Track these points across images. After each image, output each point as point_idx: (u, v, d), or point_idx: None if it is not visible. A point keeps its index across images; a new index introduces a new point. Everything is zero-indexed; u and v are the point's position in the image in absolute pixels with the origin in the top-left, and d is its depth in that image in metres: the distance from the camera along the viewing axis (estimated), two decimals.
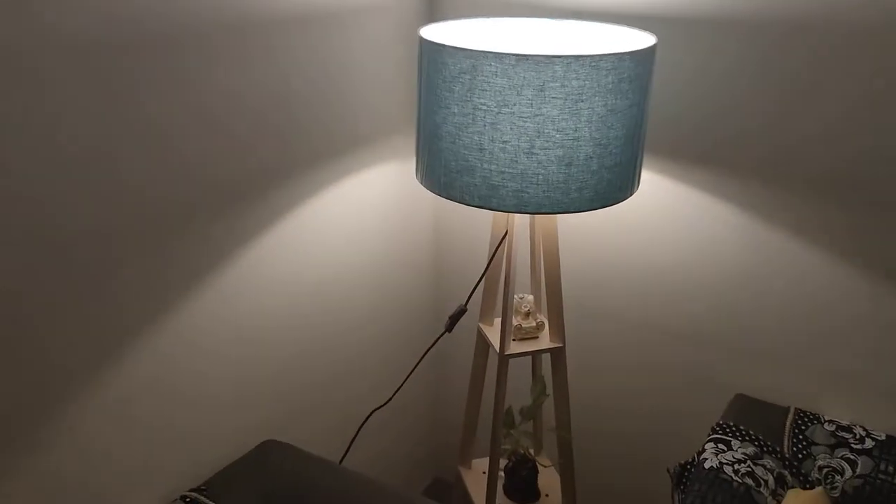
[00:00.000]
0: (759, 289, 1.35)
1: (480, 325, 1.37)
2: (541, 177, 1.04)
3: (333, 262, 1.39)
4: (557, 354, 1.31)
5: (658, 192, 1.39)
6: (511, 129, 1.02)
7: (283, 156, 1.22)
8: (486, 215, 1.55)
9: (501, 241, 1.24)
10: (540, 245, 1.30)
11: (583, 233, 1.49)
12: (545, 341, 1.32)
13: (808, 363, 1.35)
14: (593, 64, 0.99)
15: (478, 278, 1.34)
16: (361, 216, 1.44)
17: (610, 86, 1.02)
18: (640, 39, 1.16)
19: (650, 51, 1.06)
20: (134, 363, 1.06)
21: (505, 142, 1.03)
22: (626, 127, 1.06)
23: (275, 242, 1.25)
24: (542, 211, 1.06)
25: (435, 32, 1.17)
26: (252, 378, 1.27)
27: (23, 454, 0.94)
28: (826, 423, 1.31)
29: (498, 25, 1.26)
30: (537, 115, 1.01)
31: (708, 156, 1.32)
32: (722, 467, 1.20)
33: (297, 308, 1.33)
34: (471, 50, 1.01)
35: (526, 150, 1.03)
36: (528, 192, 1.05)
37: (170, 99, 1.02)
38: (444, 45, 1.04)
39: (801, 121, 1.23)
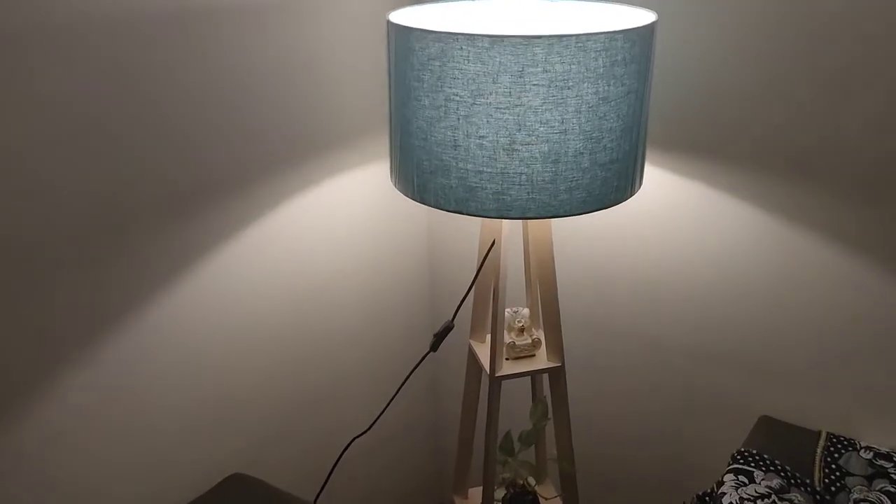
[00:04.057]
0: (784, 300, 1.21)
1: (471, 342, 1.24)
2: (524, 176, 0.91)
3: (312, 273, 1.28)
4: (556, 375, 1.18)
5: (670, 191, 1.25)
6: (488, 122, 0.89)
7: (253, 157, 1.11)
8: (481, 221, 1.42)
9: (490, 250, 1.11)
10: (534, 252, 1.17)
11: (586, 239, 1.36)
12: (542, 360, 1.18)
13: (841, 382, 1.20)
14: (579, 45, 0.86)
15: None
16: (345, 223, 1.32)
17: (601, 70, 0.88)
18: (640, 17, 1.02)
19: (648, 29, 0.92)
20: (70, 392, 0.95)
21: (482, 137, 0.90)
22: (622, 118, 0.93)
23: (241, 251, 1.14)
24: (528, 216, 0.93)
25: (407, 16, 1.05)
26: (216, 404, 1.15)
27: None
28: (862, 451, 1.16)
29: (486, 7, 1.13)
30: (517, 105, 0.88)
31: (727, 151, 1.18)
32: (742, 503, 1.06)
33: (268, 326, 1.22)
34: (439, 32, 0.88)
35: (506, 147, 0.90)
36: (510, 195, 0.92)
37: (108, 94, 0.91)
38: (411, 28, 0.91)
39: (837, 110, 1.08)
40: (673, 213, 1.26)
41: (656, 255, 1.30)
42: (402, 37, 0.93)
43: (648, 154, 1.25)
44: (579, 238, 1.37)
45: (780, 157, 1.14)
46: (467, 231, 1.50)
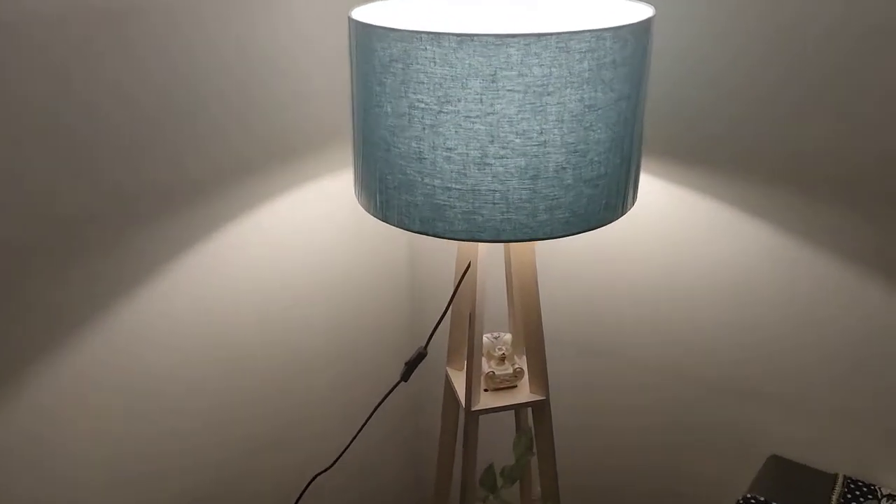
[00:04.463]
0: (798, 326, 1.09)
1: (448, 370, 1.13)
2: (498, 194, 0.80)
3: (277, 292, 1.17)
4: (539, 409, 1.06)
5: (669, 203, 1.14)
6: (457, 132, 0.78)
7: (207, 163, 1.00)
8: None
9: (464, 274, 1.00)
10: (516, 275, 1.06)
11: (576, 257, 1.25)
12: (524, 393, 1.07)
13: (861, 417, 1.08)
14: (560, 45, 0.75)
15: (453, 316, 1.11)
16: (314, 239, 1.21)
17: (586, 74, 0.77)
18: (634, 11, 0.91)
19: (642, 26, 0.81)
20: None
21: (450, 149, 0.79)
22: (611, 128, 0.81)
23: (196, 269, 1.03)
24: (502, 238, 0.82)
25: (371, 12, 0.94)
26: (164, 435, 1.05)
27: None
28: (884, 499, 1.04)
29: (459, 2, 1.02)
30: (489, 113, 0.77)
31: (734, 160, 1.07)
32: None
33: (227, 351, 1.11)
34: (401, 30, 0.77)
35: (477, 160, 0.79)
36: (481, 215, 0.81)
37: (46, 96, 0.81)
38: (371, 26, 0.80)
39: (854, 109, 0.97)
40: (674, 228, 1.15)
41: (655, 275, 1.19)
42: (363, 35, 0.82)
43: (647, 163, 1.13)
44: (568, 256, 1.25)
45: (794, 167, 1.03)
46: (453, 248, 1.38)
